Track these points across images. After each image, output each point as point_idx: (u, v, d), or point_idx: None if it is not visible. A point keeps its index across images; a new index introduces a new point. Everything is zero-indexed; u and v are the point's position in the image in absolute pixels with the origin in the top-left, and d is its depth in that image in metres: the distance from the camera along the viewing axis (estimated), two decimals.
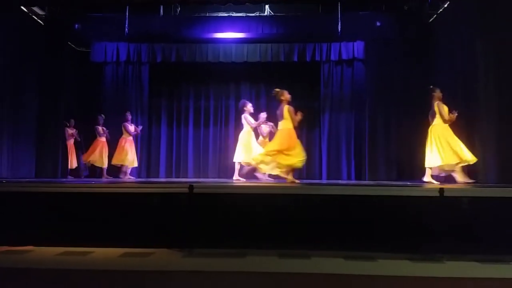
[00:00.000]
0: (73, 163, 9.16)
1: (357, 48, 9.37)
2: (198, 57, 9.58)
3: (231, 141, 10.09)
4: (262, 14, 9.14)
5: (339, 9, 8.49)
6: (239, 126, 9.96)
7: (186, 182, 5.06)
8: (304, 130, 9.63)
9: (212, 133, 10.35)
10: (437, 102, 6.17)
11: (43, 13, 8.77)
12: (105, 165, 8.98)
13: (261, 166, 6.17)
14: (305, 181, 6.54)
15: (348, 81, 9.65)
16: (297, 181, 6.05)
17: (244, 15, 9.09)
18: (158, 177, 9.85)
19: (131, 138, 9.01)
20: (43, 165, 8.47)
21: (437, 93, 6.22)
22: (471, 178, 5.96)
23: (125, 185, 5.34)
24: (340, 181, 8.37)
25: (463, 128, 6.21)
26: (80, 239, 4.07)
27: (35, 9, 8.60)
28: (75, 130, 9.19)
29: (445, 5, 7.95)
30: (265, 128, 7.80)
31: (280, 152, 5.88)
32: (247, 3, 8.32)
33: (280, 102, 6.17)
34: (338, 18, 8.49)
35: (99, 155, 8.95)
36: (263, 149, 7.28)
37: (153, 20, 9.05)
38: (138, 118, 9.59)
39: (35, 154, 8.38)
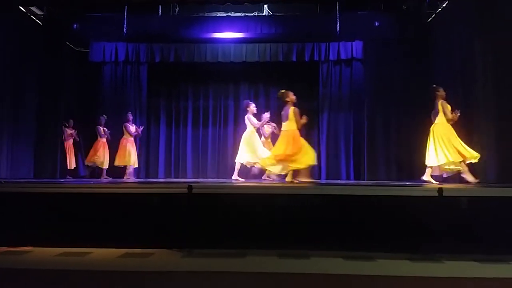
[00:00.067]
0: (72, 163, 9.15)
1: (356, 48, 9.37)
2: (196, 57, 9.58)
3: (230, 141, 10.12)
4: (260, 14, 9.14)
5: (338, 9, 8.48)
6: (238, 126, 10.00)
7: (185, 182, 5.06)
8: (303, 130, 9.56)
9: (211, 133, 10.34)
10: (440, 101, 6.17)
11: (42, 13, 8.76)
12: (106, 166, 8.98)
13: (271, 168, 6.16)
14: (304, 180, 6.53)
15: (347, 81, 9.66)
16: (296, 181, 6.05)
17: (242, 15, 9.09)
18: (157, 178, 9.84)
19: (132, 138, 9.01)
20: (42, 166, 8.46)
21: (441, 92, 6.23)
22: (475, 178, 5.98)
23: (124, 185, 5.33)
24: (339, 181, 8.38)
25: (462, 128, 6.22)
26: (79, 240, 4.07)
27: (34, 9, 8.58)
28: (74, 130, 9.18)
29: (444, 5, 7.96)
30: (267, 129, 7.76)
31: (287, 157, 5.87)
32: (245, 3, 8.32)
33: (285, 103, 6.17)
34: (336, 18, 8.48)
35: (102, 156, 8.95)
36: (265, 149, 7.28)
37: (151, 20, 9.05)
38: (136, 118, 9.58)
39: (34, 154, 8.36)
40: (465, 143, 5.98)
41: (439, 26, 8.11)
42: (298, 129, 6.05)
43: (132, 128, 9.01)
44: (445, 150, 5.93)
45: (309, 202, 4.20)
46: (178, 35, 9.19)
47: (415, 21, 8.67)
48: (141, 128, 9.20)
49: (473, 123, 6.47)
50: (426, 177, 6.21)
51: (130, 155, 8.87)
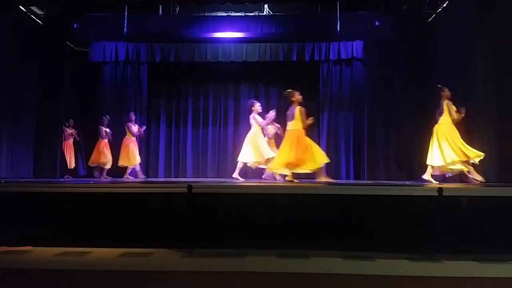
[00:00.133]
0: (71, 163, 9.15)
1: (356, 47, 9.37)
2: (197, 57, 9.57)
3: (230, 141, 10.12)
4: (261, 14, 9.13)
5: (338, 8, 8.46)
6: (238, 126, 10.01)
7: (185, 182, 5.06)
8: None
9: (211, 132, 10.34)
10: (446, 101, 6.18)
11: (42, 13, 8.75)
12: (109, 166, 9.00)
13: (283, 171, 6.14)
14: (304, 180, 6.53)
15: (347, 81, 9.65)
16: (296, 181, 6.05)
17: (243, 14, 9.08)
18: (157, 177, 9.84)
19: (134, 138, 9.01)
20: (42, 165, 8.45)
21: (446, 92, 6.24)
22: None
23: (124, 185, 5.33)
24: (339, 181, 8.36)
25: (463, 128, 6.21)
26: (79, 239, 4.07)
27: (34, 8, 8.58)
28: (74, 130, 9.18)
29: (444, 5, 7.95)
30: (271, 130, 7.71)
31: (298, 162, 5.86)
32: (246, 3, 8.32)
33: (291, 103, 6.17)
34: (337, 18, 8.47)
35: (107, 156, 8.95)
36: (269, 149, 7.23)
37: (152, 19, 9.04)
38: (137, 118, 9.54)
39: (34, 154, 8.36)
40: (465, 142, 5.99)
41: (440, 26, 8.11)
42: (303, 128, 6.05)
43: (135, 128, 9.01)
44: (450, 149, 5.93)
45: (309, 202, 4.20)
46: (178, 35, 9.19)
47: (415, 21, 8.67)
48: (144, 127, 9.21)
49: (474, 123, 6.46)
50: (427, 176, 6.22)
51: (134, 156, 8.88)
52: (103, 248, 3.98)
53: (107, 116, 9.12)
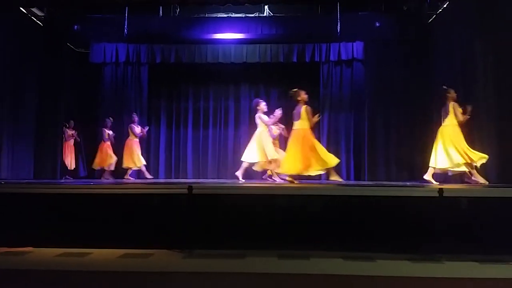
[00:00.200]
0: (72, 164, 9.15)
1: (356, 48, 9.37)
2: (197, 58, 9.58)
3: (230, 141, 10.12)
4: (261, 15, 9.13)
5: (338, 9, 8.46)
6: (238, 127, 10.02)
7: (185, 183, 5.07)
8: None
9: (212, 133, 10.33)
10: (452, 103, 6.16)
11: (42, 14, 8.76)
12: (113, 168, 9.01)
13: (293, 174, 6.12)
14: (304, 181, 6.53)
15: (347, 82, 9.64)
16: (296, 181, 6.05)
17: (243, 15, 9.08)
18: (157, 178, 9.83)
19: (137, 139, 9.01)
20: (42, 166, 8.45)
21: (452, 94, 6.22)
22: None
23: (125, 186, 5.34)
24: (344, 182, 8.37)
25: (463, 128, 6.21)
26: (79, 240, 4.07)
27: (34, 10, 8.58)
28: (74, 131, 9.19)
29: (444, 6, 7.95)
30: (275, 130, 7.67)
31: (307, 163, 5.85)
32: (246, 4, 8.31)
33: (297, 102, 6.18)
34: (337, 19, 8.47)
35: (112, 158, 8.95)
36: (274, 150, 7.21)
37: (152, 20, 9.04)
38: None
39: (34, 155, 8.36)
40: (466, 143, 5.99)
41: (440, 27, 8.11)
42: (310, 127, 6.06)
43: (138, 129, 9.02)
44: (455, 152, 5.91)
45: (309, 203, 4.20)
46: (178, 36, 9.19)
47: (415, 22, 8.67)
48: (146, 128, 9.22)
49: (474, 123, 6.46)
50: (428, 176, 6.21)
51: (138, 157, 8.89)
52: (103, 249, 3.99)
53: (110, 118, 9.13)
